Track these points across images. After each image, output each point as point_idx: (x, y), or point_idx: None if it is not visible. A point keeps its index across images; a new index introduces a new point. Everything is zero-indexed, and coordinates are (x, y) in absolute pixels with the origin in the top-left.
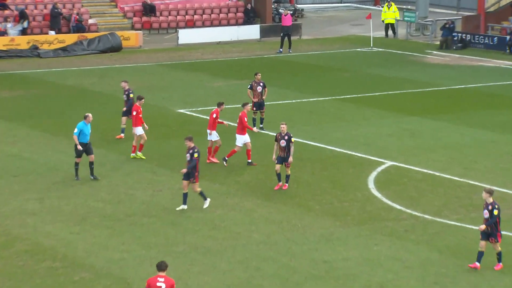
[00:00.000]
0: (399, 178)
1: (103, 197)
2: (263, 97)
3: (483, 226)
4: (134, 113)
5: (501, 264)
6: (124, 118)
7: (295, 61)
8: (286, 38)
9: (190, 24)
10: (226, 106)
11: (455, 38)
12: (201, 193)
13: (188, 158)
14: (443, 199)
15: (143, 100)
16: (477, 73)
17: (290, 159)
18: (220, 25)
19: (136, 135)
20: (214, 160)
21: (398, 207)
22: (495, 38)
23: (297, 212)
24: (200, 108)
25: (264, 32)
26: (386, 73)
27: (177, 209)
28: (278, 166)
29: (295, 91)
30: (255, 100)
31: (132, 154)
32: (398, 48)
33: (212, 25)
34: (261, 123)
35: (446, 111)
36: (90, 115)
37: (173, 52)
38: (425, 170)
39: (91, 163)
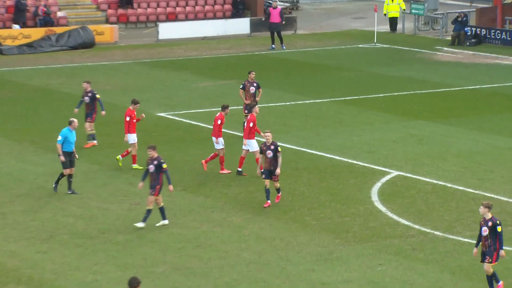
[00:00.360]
0: (406, 190)
1: (73, 212)
2: (257, 99)
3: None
4: (128, 118)
5: (501, 282)
6: (88, 124)
7: (289, 59)
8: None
9: (172, 17)
10: (213, 109)
11: (469, 33)
12: (148, 212)
13: (152, 170)
14: (455, 213)
15: (138, 104)
16: (493, 72)
17: (278, 170)
18: (205, 18)
19: (129, 143)
20: (226, 171)
21: (405, 222)
22: None
23: (292, 228)
24: (183, 112)
25: (254, 26)
26: (391, 72)
27: (157, 225)
28: (267, 182)
29: (289, 92)
30: (247, 102)
31: (134, 165)
32: (405, 44)
33: (196, 18)
34: None
35: (459, 114)
36: (75, 120)
37: (152, 49)
38: (435, 181)
39: (69, 176)
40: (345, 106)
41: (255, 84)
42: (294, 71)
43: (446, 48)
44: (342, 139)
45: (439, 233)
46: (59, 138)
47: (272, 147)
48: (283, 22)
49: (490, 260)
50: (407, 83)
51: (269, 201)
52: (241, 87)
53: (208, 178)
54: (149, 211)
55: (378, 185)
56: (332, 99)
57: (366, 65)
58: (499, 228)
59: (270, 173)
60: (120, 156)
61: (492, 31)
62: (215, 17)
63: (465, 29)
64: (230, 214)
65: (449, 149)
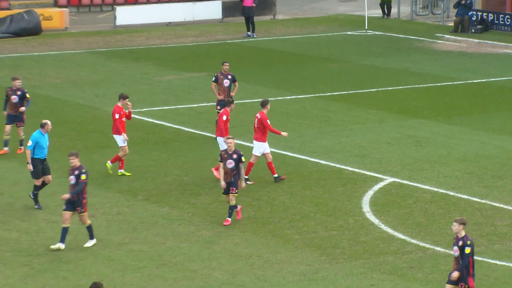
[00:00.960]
0: (402, 199)
1: (17, 226)
2: (232, 94)
3: (455, 274)
4: (117, 116)
5: None
6: (8, 127)
7: (267, 48)
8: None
9: (131, 0)
10: (179, 107)
11: (474, 18)
12: (89, 228)
13: (73, 181)
14: None
15: (127, 99)
16: (501, 63)
17: (243, 184)
18: (170, 1)
19: (119, 145)
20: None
21: (401, 236)
22: None
23: (271, 244)
24: (144, 109)
25: (227, 11)
26: (385, 64)
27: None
28: (227, 197)
29: (267, 87)
30: (221, 97)
31: (120, 171)
32: (400, 32)
33: (159, 1)
34: None
35: (462, 112)
36: (48, 122)
37: (109, 36)
38: (436, 189)
39: (43, 185)
40: (332, 102)
41: (229, 77)
42: (273, 62)
43: (447, 36)
44: (329, 141)
45: (440, 248)
46: (30, 143)
47: (235, 156)
48: (254, 5)
49: (466, 286)
50: (403, 76)
51: (239, 213)
52: (213, 80)
53: (173, 186)
54: (88, 227)
55: (370, 193)
56: (317, 95)
57: (356, 56)
58: (467, 250)
59: (229, 186)
60: (120, 170)
61: (501, 16)
62: None
63: (470, 13)
64: (199, 227)
65: (451, 152)
